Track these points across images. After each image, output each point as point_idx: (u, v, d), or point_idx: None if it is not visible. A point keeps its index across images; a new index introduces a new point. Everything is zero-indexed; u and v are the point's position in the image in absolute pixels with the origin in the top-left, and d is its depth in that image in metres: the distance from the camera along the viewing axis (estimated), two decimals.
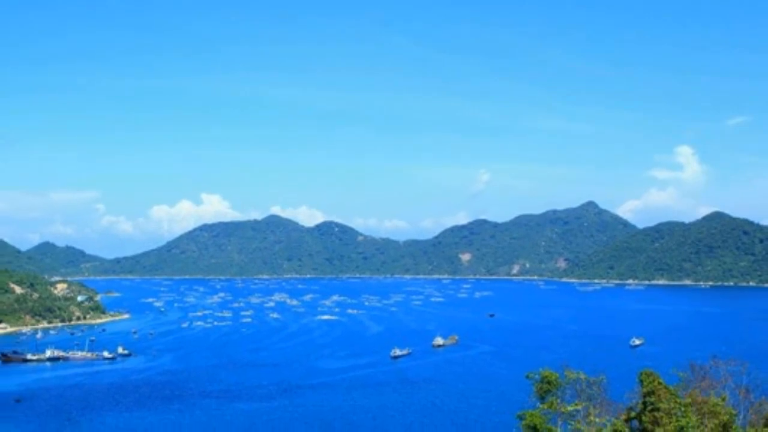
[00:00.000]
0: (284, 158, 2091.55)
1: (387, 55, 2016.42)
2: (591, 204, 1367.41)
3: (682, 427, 47.10)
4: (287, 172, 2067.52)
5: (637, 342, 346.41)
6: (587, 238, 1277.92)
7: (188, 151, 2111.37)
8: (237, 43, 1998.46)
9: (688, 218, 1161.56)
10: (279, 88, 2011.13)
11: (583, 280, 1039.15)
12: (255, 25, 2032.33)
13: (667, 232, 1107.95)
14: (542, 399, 61.37)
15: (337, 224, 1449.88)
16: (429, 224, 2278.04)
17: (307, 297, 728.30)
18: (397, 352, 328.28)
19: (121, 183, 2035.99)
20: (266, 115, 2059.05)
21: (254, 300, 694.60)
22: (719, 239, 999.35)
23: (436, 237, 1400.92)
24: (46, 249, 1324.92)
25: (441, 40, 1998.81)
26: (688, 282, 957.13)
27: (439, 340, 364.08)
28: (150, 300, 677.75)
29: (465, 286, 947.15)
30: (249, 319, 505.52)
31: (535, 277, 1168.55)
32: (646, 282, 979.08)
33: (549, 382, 61.47)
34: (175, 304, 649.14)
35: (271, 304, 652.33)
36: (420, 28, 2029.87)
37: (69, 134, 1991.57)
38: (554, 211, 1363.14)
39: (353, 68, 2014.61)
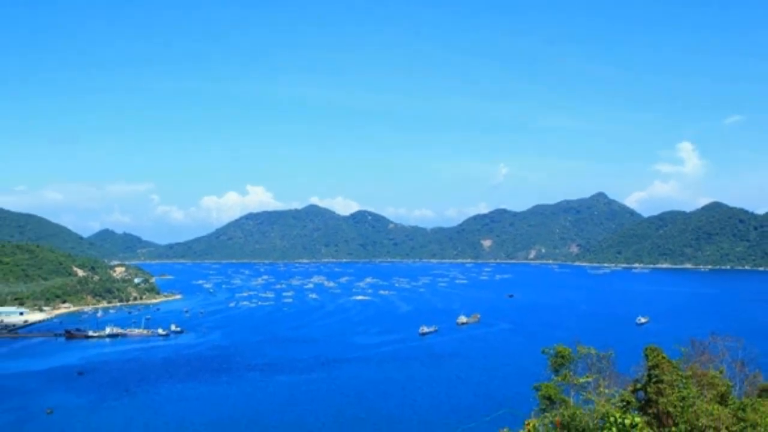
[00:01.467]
0: (322, 153, 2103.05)
1: (416, 60, 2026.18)
2: (601, 195, 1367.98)
3: (683, 398, 47.32)
4: (325, 166, 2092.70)
5: (643, 320, 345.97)
6: (597, 225, 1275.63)
7: (235, 147, 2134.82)
8: (281, 49, 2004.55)
9: (689, 208, 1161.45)
10: (318, 89, 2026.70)
11: (594, 264, 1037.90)
12: (298, 34, 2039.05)
13: (670, 220, 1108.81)
14: (556, 372, 61.68)
15: (370, 213, 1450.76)
16: (453, 213, 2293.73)
17: (343, 279, 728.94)
18: (425, 329, 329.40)
19: (173, 175, 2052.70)
20: (306, 114, 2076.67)
21: (295, 282, 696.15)
22: (717, 227, 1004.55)
23: (460, 225, 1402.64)
24: (105, 236, 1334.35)
25: (464, 46, 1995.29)
26: (689, 265, 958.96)
27: (462, 319, 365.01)
28: (200, 282, 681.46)
29: (486, 269, 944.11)
30: (290, 300, 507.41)
31: (550, 261, 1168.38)
32: (651, 266, 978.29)
33: (563, 357, 61.82)
34: (223, 286, 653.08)
35: (310, 285, 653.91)
36: (445, 35, 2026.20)
37: (128, 131, 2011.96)
38: (567, 202, 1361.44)
39: (385, 72, 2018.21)
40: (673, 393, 47.72)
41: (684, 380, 50.07)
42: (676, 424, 45.50)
